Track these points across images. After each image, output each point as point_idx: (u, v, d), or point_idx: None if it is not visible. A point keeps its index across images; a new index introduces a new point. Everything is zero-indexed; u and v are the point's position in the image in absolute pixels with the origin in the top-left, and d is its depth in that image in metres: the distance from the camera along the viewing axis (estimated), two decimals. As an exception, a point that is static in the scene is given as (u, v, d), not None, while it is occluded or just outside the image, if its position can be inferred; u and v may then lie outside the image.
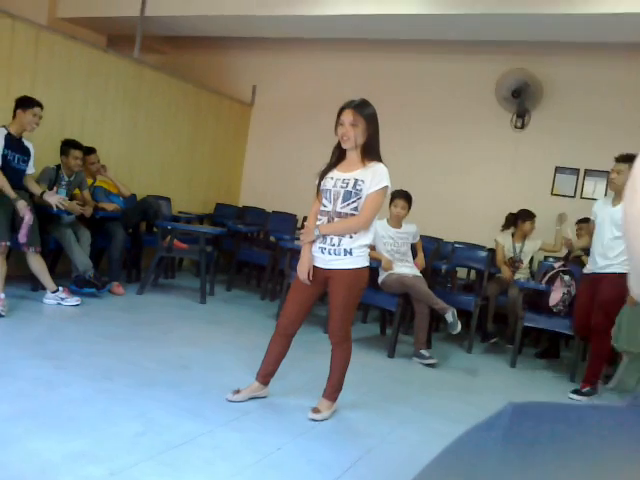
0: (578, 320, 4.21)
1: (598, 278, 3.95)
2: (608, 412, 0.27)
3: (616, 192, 3.94)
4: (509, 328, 5.17)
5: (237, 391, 3.02)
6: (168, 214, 6.17)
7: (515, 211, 5.66)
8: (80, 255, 4.71)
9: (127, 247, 5.43)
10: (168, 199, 6.37)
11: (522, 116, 6.40)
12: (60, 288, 4.44)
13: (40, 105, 4.34)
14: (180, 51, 8.14)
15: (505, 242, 5.47)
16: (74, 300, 4.44)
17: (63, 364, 3.17)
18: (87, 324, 4.06)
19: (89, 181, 5.23)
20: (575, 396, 4.02)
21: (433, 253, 5.23)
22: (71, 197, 4.96)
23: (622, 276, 3.80)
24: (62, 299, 4.41)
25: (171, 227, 5.42)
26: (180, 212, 6.61)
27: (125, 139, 6.14)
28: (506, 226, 5.58)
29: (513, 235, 5.47)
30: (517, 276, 5.28)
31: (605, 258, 3.92)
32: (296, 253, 3.67)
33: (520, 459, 0.26)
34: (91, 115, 5.71)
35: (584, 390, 4.03)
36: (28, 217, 4.15)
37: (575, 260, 5.28)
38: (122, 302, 4.85)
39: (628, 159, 3.84)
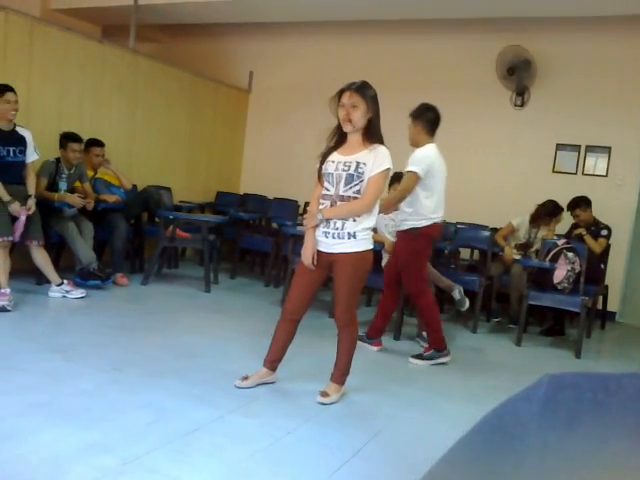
0: (384, 274, 4.17)
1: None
2: None
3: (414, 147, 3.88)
4: (510, 307, 5.17)
5: (245, 377, 3.04)
6: (169, 204, 6.16)
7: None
8: (83, 248, 4.71)
9: (130, 238, 5.43)
10: (169, 189, 6.36)
11: (522, 94, 6.36)
12: (65, 281, 4.45)
13: (11, 89, 4.20)
14: (176, 39, 8.08)
15: (520, 227, 5.40)
16: (79, 292, 4.45)
17: (72, 356, 3.19)
18: (93, 316, 4.07)
19: (90, 173, 5.22)
20: (415, 361, 3.87)
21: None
22: (72, 190, 4.95)
23: (405, 232, 3.84)
24: (67, 292, 4.42)
25: (173, 217, 5.42)
26: (181, 201, 6.61)
27: (123, 130, 6.11)
28: (536, 218, 5.35)
29: (533, 221, 5.38)
30: (517, 257, 5.24)
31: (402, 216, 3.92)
32: (299, 239, 3.67)
33: (563, 427, 0.26)
34: (88, 107, 5.68)
35: (425, 354, 3.89)
36: (23, 219, 4.13)
37: (578, 237, 5.27)
38: (127, 293, 4.86)
39: (412, 114, 3.82)
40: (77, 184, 5.05)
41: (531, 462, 0.26)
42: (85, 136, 5.14)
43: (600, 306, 5.55)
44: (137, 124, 6.28)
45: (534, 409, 0.28)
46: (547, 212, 5.30)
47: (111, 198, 5.24)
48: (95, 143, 5.27)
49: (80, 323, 3.88)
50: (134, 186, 5.76)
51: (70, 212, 4.81)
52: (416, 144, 3.84)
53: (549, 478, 0.25)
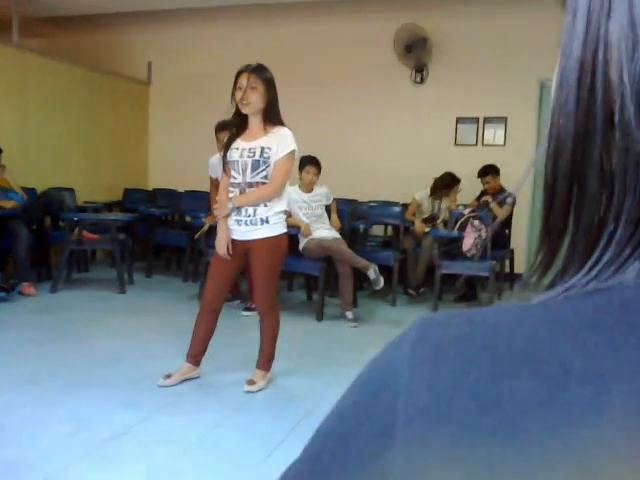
0: None
1: None
2: (511, 310, 0.29)
3: None
4: (413, 275, 5.33)
5: (168, 375, 2.98)
6: (73, 205, 5.88)
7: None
8: (-18, 259, 4.42)
9: (33, 245, 5.13)
10: (71, 190, 6.07)
11: (421, 71, 6.53)
12: (-36, 297, 4.16)
13: None
14: (66, 32, 7.65)
15: (423, 200, 5.58)
16: (-18, 307, 4.18)
17: (-21, 375, 3.00)
18: (1, 331, 3.84)
19: (-18, 180, 4.90)
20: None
21: (350, 214, 5.31)
22: (-37, 199, 4.63)
23: None
24: (-32, 308, 4.15)
25: (78, 218, 5.19)
26: (86, 202, 6.31)
27: (16, 131, 5.75)
28: (435, 191, 5.51)
29: (433, 194, 5.56)
30: (427, 229, 5.42)
31: None
32: (212, 230, 3.61)
33: (430, 363, 0.27)
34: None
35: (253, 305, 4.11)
36: None
37: (485, 204, 5.50)
38: (36, 303, 4.61)
39: None
40: (-32, 192, 4.72)
41: (402, 402, 0.27)
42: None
43: (508, 269, 5.86)
44: (30, 124, 5.92)
45: (405, 350, 0.29)
46: (444, 184, 5.51)
47: (8, 204, 4.94)
48: None
49: (-14, 339, 3.65)
50: (33, 189, 5.45)
51: (-37, 223, 4.50)
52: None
53: (417, 414, 0.26)
